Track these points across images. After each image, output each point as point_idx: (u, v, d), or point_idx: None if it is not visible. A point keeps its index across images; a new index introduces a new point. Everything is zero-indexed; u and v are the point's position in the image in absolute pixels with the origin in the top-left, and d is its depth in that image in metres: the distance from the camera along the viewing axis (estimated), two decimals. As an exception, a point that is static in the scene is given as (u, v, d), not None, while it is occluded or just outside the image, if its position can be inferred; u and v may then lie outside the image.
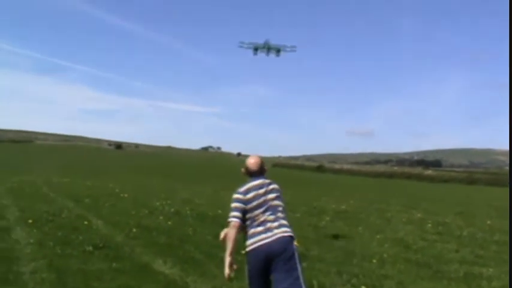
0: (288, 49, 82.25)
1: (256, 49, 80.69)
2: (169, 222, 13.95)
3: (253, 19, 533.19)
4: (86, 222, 12.93)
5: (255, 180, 5.10)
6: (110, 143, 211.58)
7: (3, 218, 13.21)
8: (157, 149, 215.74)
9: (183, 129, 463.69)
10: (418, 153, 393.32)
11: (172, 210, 17.18)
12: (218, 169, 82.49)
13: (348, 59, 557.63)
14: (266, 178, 5.18)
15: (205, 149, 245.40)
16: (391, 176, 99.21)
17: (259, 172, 5.19)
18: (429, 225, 17.03)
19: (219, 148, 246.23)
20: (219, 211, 16.62)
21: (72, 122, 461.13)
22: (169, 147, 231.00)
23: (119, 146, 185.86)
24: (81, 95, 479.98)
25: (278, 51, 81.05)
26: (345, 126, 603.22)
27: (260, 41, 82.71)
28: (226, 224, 4.94)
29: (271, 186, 5.07)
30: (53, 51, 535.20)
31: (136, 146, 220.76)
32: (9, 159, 67.24)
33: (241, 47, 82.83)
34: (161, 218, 14.85)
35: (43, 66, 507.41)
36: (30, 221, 12.52)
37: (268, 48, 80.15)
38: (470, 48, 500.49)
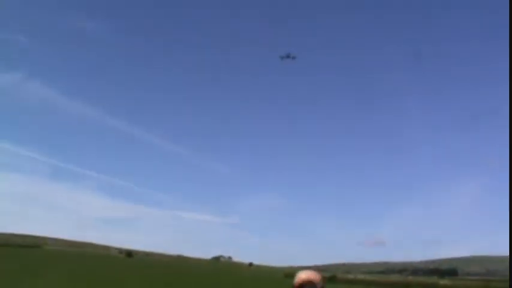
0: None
1: (282, 57, 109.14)
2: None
3: (260, 133, 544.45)
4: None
5: None
6: (120, 250, 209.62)
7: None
8: (168, 257, 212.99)
9: (194, 239, 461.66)
10: (432, 261, 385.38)
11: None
12: (229, 280, 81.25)
13: (358, 170, 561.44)
14: None
15: (216, 258, 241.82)
16: (406, 286, 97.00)
17: None
18: None
19: (230, 258, 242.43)
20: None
21: (84, 229, 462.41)
22: (180, 256, 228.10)
23: (129, 254, 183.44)
24: (94, 202, 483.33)
25: (294, 57, 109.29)
26: (357, 235, 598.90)
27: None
28: None
29: None
30: (70, 159, 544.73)
31: (147, 254, 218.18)
32: (14, 265, 66.34)
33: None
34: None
35: (60, 173, 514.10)
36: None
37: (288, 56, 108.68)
38: (483, 153, 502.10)
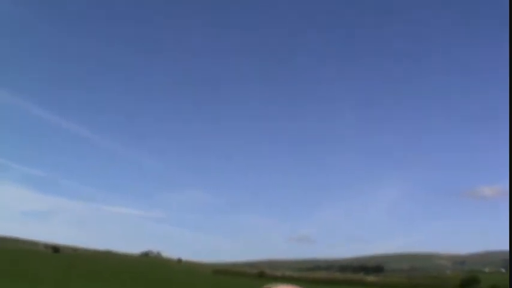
0: None
1: None
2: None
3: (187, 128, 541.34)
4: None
5: None
6: (46, 245, 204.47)
7: None
8: (96, 253, 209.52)
9: (123, 233, 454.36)
10: (359, 258, 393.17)
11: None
12: (158, 275, 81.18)
13: (287, 169, 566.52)
14: None
15: (145, 253, 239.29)
16: (333, 282, 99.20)
17: None
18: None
19: (159, 253, 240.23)
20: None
21: (9, 223, 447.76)
22: (108, 252, 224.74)
23: (56, 249, 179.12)
24: (17, 194, 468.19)
25: None
26: (286, 232, 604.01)
27: None
28: None
29: None
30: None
31: (75, 249, 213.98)
32: None
33: None
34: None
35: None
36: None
37: None
38: (409, 153, 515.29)
